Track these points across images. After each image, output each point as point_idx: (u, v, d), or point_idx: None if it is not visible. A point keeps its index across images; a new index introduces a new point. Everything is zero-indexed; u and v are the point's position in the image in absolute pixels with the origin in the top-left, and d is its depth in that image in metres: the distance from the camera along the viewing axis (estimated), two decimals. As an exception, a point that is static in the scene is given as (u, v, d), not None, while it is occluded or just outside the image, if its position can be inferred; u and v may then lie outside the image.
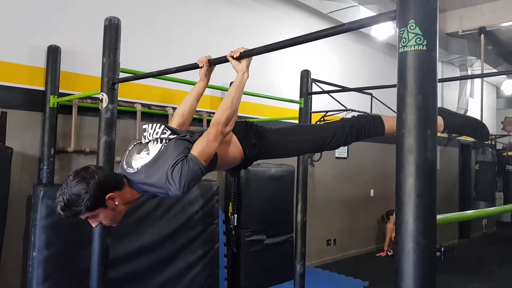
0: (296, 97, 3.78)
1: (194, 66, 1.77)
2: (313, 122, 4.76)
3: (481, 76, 6.07)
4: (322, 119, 5.09)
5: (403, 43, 1.05)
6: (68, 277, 2.90)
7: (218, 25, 4.49)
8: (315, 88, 4.63)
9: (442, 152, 7.49)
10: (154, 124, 1.59)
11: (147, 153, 1.53)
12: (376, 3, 4.80)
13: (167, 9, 4.06)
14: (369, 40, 6.49)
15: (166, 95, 3.94)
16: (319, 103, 5.45)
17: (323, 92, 3.75)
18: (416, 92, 1.03)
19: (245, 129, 1.77)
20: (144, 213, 3.37)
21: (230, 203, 4.30)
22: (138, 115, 3.62)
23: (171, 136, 1.55)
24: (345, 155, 6.32)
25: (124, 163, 1.58)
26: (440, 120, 1.93)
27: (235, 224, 4.32)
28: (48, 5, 3.28)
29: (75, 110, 3.29)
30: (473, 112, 7.57)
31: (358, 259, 6.41)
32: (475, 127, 1.99)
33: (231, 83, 4.22)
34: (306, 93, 3.48)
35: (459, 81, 7.69)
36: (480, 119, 2.08)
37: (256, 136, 1.77)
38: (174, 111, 3.89)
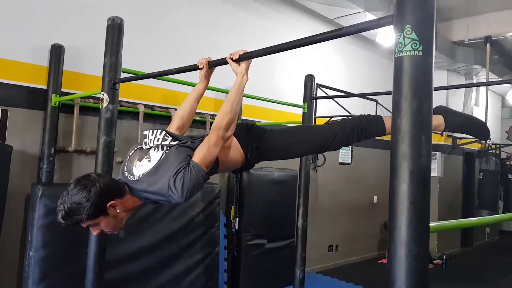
0: (300, 101, 3.78)
1: (194, 68, 1.77)
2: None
3: (486, 84, 6.04)
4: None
5: (399, 48, 1.04)
6: (65, 277, 2.89)
7: (224, 27, 4.50)
8: (320, 93, 4.63)
9: (446, 160, 7.43)
10: (155, 130, 1.58)
11: (148, 161, 1.53)
12: (382, 9, 4.79)
13: (172, 10, 4.07)
14: (375, 46, 6.47)
15: (169, 96, 3.94)
16: (324, 108, 5.44)
17: (327, 97, 3.74)
18: (411, 98, 1.02)
19: (246, 132, 1.76)
20: (145, 214, 3.37)
21: (232, 207, 4.29)
22: (141, 116, 3.63)
23: (172, 143, 1.54)
24: (349, 161, 6.29)
25: (125, 169, 1.57)
26: (440, 120, 1.92)
27: (237, 227, 4.30)
28: (52, 3, 3.30)
29: (77, 109, 3.30)
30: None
31: (359, 265, 6.37)
32: (476, 126, 1.97)
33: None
34: (310, 98, 3.48)
35: (464, 89, 7.64)
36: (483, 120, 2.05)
37: (257, 139, 1.75)
38: (176, 113, 3.92)
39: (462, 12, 5.87)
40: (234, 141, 1.70)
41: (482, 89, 7.91)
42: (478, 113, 8.03)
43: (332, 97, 3.73)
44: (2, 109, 3.07)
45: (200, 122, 4.15)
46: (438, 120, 1.93)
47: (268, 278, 4.53)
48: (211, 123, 4.14)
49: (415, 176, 1.01)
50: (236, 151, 1.71)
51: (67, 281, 2.89)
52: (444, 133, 2.35)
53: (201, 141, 1.56)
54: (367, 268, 6.28)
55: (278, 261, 4.63)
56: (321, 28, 5.55)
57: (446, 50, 6.36)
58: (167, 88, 3.90)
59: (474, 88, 7.75)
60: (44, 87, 3.22)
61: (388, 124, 1.84)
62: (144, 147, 1.61)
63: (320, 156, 5.41)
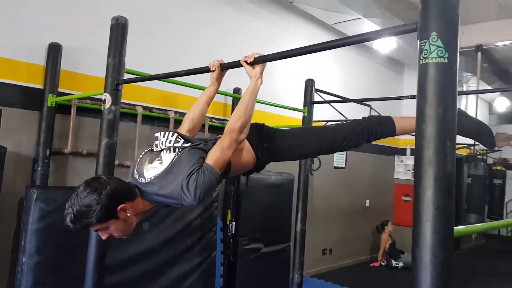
0: (297, 105, 3.79)
1: (205, 70, 1.75)
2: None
3: (478, 92, 6.15)
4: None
5: (425, 55, 1.05)
6: (60, 284, 2.82)
7: (224, 30, 4.49)
8: (316, 97, 4.65)
9: (437, 165, 7.53)
10: (167, 132, 1.56)
11: (159, 163, 1.50)
12: (380, 16, 4.84)
13: (173, 11, 4.05)
14: (371, 52, 6.54)
15: (168, 98, 3.91)
16: (320, 112, 5.46)
17: (326, 102, 3.76)
18: (437, 105, 1.02)
19: (256, 132, 1.74)
20: (143, 218, 3.32)
21: (229, 211, 4.26)
22: (139, 118, 3.59)
23: (185, 145, 1.51)
24: (343, 165, 6.33)
25: (135, 172, 1.53)
26: None
27: (233, 232, 4.27)
28: (51, 1, 3.24)
29: (74, 110, 3.25)
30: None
31: (352, 269, 6.41)
32: (482, 132, 1.97)
33: (234, 89, 4.25)
34: (310, 102, 3.50)
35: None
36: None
37: (267, 139, 1.74)
38: (175, 115, 3.89)
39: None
40: (246, 143, 1.68)
41: (471, 96, 8.05)
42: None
43: (331, 102, 3.76)
44: (-4, 109, 3.00)
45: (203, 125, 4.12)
46: None
47: (263, 282, 4.50)
48: (209, 126, 4.12)
49: (440, 182, 1.01)
50: (247, 152, 1.69)
51: (62, 287, 2.82)
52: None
53: (214, 143, 1.54)
54: (360, 271, 6.32)
55: (274, 266, 4.61)
56: (319, 34, 5.60)
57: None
58: (166, 90, 3.87)
59: (464, 95, 7.87)
60: (41, 86, 3.16)
61: (398, 124, 1.85)
62: (155, 149, 1.58)
63: (315, 160, 5.42)
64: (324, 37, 5.69)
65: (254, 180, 4.40)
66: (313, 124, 4.68)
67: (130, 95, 3.60)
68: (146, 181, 1.47)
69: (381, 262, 6.73)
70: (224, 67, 1.72)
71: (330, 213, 6.08)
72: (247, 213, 4.37)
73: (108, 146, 2.31)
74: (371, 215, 6.99)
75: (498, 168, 7.84)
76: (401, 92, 7.59)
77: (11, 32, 3.06)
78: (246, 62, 1.58)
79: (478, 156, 8.55)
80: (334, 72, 5.98)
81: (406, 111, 7.36)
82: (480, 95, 8.48)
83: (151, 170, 1.49)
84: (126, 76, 2.41)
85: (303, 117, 3.62)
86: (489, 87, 7.46)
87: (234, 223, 4.32)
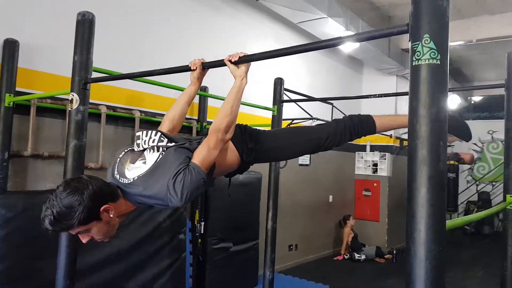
0: (265, 104, 3.80)
1: (185, 69, 1.70)
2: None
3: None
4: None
5: (417, 56, 1.07)
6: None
7: (189, 26, 4.40)
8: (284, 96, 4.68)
9: (394, 161, 7.83)
10: (149, 131, 1.51)
11: (143, 162, 1.44)
12: (343, 16, 4.94)
13: (135, 7, 3.91)
14: (334, 52, 6.69)
15: (133, 97, 3.78)
16: (285, 111, 5.50)
17: (296, 100, 3.79)
18: (430, 105, 1.05)
19: (240, 133, 1.73)
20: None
21: (197, 211, 4.20)
22: (103, 118, 3.45)
23: (169, 144, 1.47)
24: (308, 162, 6.42)
25: (116, 172, 1.47)
26: None
27: (202, 232, 4.22)
28: (6, -4, 3.04)
29: (34, 110, 3.05)
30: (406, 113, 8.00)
31: (317, 263, 6.54)
32: (458, 125, 2.05)
33: (201, 88, 4.18)
34: (279, 101, 3.51)
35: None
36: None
37: (252, 140, 1.73)
38: (141, 115, 3.77)
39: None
40: (230, 143, 1.67)
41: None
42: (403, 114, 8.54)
43: (300, 101, 3.79)
44: None
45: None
46: None
47: (232, 281, 4.50)
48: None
49: (434, 180, 1.04)
50: (231, 153, 1.68)
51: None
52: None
53: (199, 143, 1.51)
54: (324, 265, 6.46)
55: (242, 264, 4.61)
56: (284, 32, 5.63)
57: (397, 57, 6.70)
58: (131, 89, 3.74)
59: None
60: (-4, 86, 2.95)
61: (378, 122, 1.90)
62: (136, 149, 1.52)
63: (282, 157, 5.46)
64: (290, 36, 5.74)
65: (222, 179, 4.35)
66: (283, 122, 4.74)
67: (93, 94, 3.40)
68: (129, 182, 1.42)
69: (344, 256, 6.92)
70: (206, 66, 1.68)
71: (296, 210, 6.16)
72: (216, 213, 4.33)
73: (77, 149, 2.19)
74: (334, 210, 7.17)
75: (451, 162, 8.26)
76: (361, 90, 7.83)
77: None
78: (230, 61, 1.55)
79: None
80: (299, 71, 6.05)
81: (366, 108, 7.61)
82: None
83: (134, 170, 1.44)
84: (94, 75, 2.29)
85: (273, 115, 3.63)
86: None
87: (202, 223, 4.28)
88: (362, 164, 7.81)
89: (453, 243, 9.09)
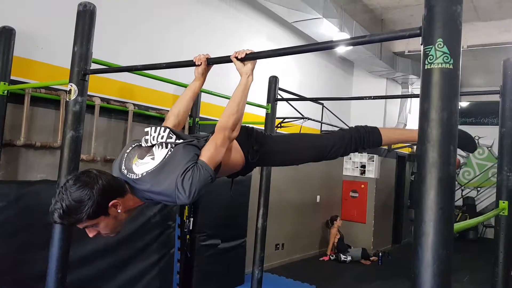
0: (256, 102, 3.79)
1: (189, 64, 1.69)
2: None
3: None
4: (279, 125, 5.15)
5: (430, 60, 1.08)
6: (12, 284, 2.62)
7: (187, 24, 4.37)
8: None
9: (382, 163, 7.92)
10: (158, 127, 1.50)
11: (151, 158, 1.44)
12: (337, 17, 4.97)
13: (135, 2, 3.87)
14: (326, 52, 6.71)
15: (126, 90, 3.74)
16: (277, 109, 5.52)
17: (289, 99, 3.79)
18: (442, 109, 1.06)
19: (246, 134, 1.73)
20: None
21: (187, 207, 4.18)
22: (96, 110, 3.40)
23: (178, 141, 1.47)
24: (296, 162, 6.44)
25: (123, 167, 1.46)
26: None
27: (190, 228, 4.21)
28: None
29: (28, 100, 3.00)
30: (411, 127, 8.10)
31: (303, 263, 6.57)
32: (464, 138, 2.07)
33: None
34: (273, 99, 3.51)
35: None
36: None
37: (257, 142, 1.74)
38: (135, 108, 3.73)
39: (405, 25, 6.30)
40: (235, 143, 1.66)
41: (415, 98, 8.55)
42: (412, 120, 8.66)
43: (294, 100, 3.80)
44: None
45: (157, 118, 3.99)
46: None
47: (219, 278, 4.49)
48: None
49: (444, 183, 1.05)
50: (236, 153, 1.68)
51: (15, 289, 2.63)
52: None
53: (206, 141, 1.51)
54: (310, 265, 6.50)
55: (230, 262, 4.61)
56: (279, 31, 5.64)
57: (388, 60, 6.77)
58: (124, 81, 3.70)
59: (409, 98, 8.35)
60: (-11, 73, 2.88)
61: (384, 135, 1.91)
62: (144, 144, 1.52)
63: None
64: (284, 35, 5.75)
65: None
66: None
67: (87, 85, 3.40)
68: (137, 177, 1.41)
69: (330, 256, 6.97)
70: (211, 62, 1.67)
71: (283, 209, 6.18)
72: (205, 209, 4.32)
73: (74, 140, 2.15)
74: (321, 210, 7.21)
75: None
76: (351, 91, 7.89)
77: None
78: (236, 58, 1.55)
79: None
80: (290, 70, 6.06)
81: (355, 109, 7.68)
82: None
83: (142, 166, 1.43)
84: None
85: (267, 114, 3.63)
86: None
87: (191, 219, 4.26)
88: (350, 165, 7.88)
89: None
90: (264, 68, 5.09)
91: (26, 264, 2.66)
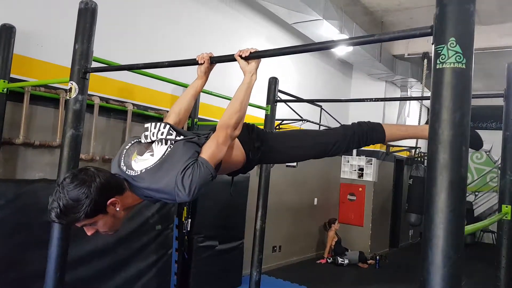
0: (254, 103, 3.77)
1: (192, 62, 1.66)
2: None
3: (420, 98, 6.58)
4: (278, 127, 5.13)
5: (442, 59, 1.06)
6: (9, 284, 2.59)
7: (185, 23, 4.35)
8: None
9: (380, 166, 7.91)
10: (158, 124, 1.47)
11: (151, 155, 1.41)
12: (338, 19, 4.97)
13: (141, 3, 3.85)
14: (325, 54, 6.70)
15: (125, 89, 3.71)
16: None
17: (288, 101, 3.78)
18: (454, 109, 1.04)
19: (247, 132, 1.70)
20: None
21: (185, 207, 4.15)
22: (96, 109, 3.37)
23: (178, 138, 1.44)
24: (294, 164, 6.42)
25: (122, 163, 1.43)
26: None
27: (188, 229, 4.18)
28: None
29: (27, 98, 2.96)
30: (415, 124, 8.12)
31: (300, 265, 6.55)
32: (471, 135, 2.05)
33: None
34: (273, 101, 3.50)
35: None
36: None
37: (259, 140, 1.71)
38: (134, 108, 3.71)
39: (404, 27, 6.26)
40: (236, 141, 1.64)
41: (414, 101, 8.57)
42: (410, 123, 8.67)
43: (293, 101, 3.78)
44: None
45: (156, 118, 3.97)
46: None
47: (216, 280, 4.47)
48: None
49: (455, 185, 1.03)
50: (238, 151, 1.65)
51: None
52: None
53: (207, 138, 1.48)
54: (307, 268, 6.47)
55: (227, 263, 4.59)
56: (278, 32, 5.62)
57: (388, 63, 6.77)
58: (123, 81, 3.67)
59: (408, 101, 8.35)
60: (-11, 71, 2.85)
61: (388, 131, 1.89)
62: (143, 141, 1.49)
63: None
64: (283, 36, 5.74)
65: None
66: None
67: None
68: (136, 174, 1.39)
69: (327, 259, 6.95)
70: (214, 61, 1.64)
71: (281, 211, 6.16)
72: (203, 210, 4.30)
73: (74, 138, 2.13)
74: (318, 213, 7.19)
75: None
76: (350, 93, 7.88)
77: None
78: (240, 56, 1.53)
79: (416, 159, 9.13)
80: (289, 71, 6.05)
81: (353, 112, 7.67)
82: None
83: (141, 163, 1.40)
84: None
85: (266, 115, 3.62)
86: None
87: (189, 220, 4.23)
88: (348, 168, 7.87)
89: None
90: (263, 70, 5.07)
91: (24, 263, 2.63)
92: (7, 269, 2.58)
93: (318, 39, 5.32)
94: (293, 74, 6.15)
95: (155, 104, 4.01)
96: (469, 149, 2.11)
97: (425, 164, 8.80)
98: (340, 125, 1.94)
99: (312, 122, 5.22)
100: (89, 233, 1.37)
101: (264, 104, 3.60)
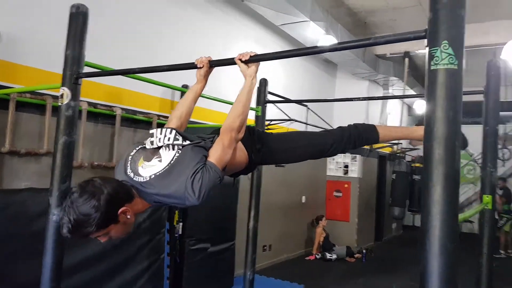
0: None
1: (191, 66, 1.69)
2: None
3: (405, 96, 6.73)
4: (266, 128, 5.17)
5: (436, 61, 1.12)
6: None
7: (174, 24, 4.35)
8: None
9: (364, 162, 8.05)
10: (164, 129, 1.49)
11: (159, 160, 1.43)
12: (324, 20, 5.05)
13: (124, 6, 3.84)
14: (310, 55, 6.78)
15: (113, 94, 3.69)
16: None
17: (278, 101, 3.83)
18: (448, 108, 1.10)
19: (248, 134, 1.74)
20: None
21: (176, 211, 4.15)
22: (84, 114, 3.34)
23: (185, 143, 1.47)
24: (284, 164, 6.48)
25: (129, 170, 1.44)
26: (422, 130, 2.08)
27: (180, 232, 4.17)
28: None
29: (13, 105, 2.92)
30: (407, 126, 8.27)
31: (290, 263, 6.62)
32: None
33: (183, 86, 4.12)
34: (263, 101, 3.53)
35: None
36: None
37: (260, 141, 1.76)
38: (122, 112, 3.69)
39: (387, 29, 6.44)
40: (239, 143, 1.67)
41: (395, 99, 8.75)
42: (391, 121, 8.85)
43: (283, 102, 3.84)
44: None
45: (145, 122, 3.96)
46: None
47: (208, 282, 4.47)
48: (157, 124, 3.97)
49: (450, 178, 1.10)
50: (241, 152, 1.69)
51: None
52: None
53: (212, 141, 1.52)
54: (297, 265, 6.55)
55: (219, 265, 4.60)
56: (265, 34, 5.67)
57: (371, 63, 6.90)
58: (111, 85, 3.65)
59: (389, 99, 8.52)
60: (-28, 78, 2.81)
61: (381, 132, 1.96)
62: (148, 146, 1.50)
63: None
64: (271, 38, 5.79)
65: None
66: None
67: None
68: (144, 180, 1.40)
69: (316, 255, 7.04)
70: (213, 65, 1.67)
71: (270, 210, 6.19)
72: (195, 213, 4.30)
73: (67, 145, 2.11)
74: (306, 211, 7.28)
75: (417, 165, 8.60)
76: (334, 92, 8.00)
77: None
78: (240, 60, 1.56)
79: (398, 154, 9.33)
80: (276, 72, 6.10)
81: (338, 110, 7.78)
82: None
83: (149, 168, 1.42)
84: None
85: (256, 116, 3.65)
86: (411, 91, 8.15)
87: (181, 223, 4.23)
88: (334, 165, 7.99)
89: (406, 240, 9.48)
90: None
91: (12, 275, 2.58)
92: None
93: (305, 40, 5.39)
94: (280, 75, 6.21)
95: (144, 108, 3.99)
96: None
97: (406, 160, 9.06)
98: (337, 126, 2.00)
99: (300, 121, 5.29)
100: (103, 241, 1.39)
101: (254, 105, 3.63)
